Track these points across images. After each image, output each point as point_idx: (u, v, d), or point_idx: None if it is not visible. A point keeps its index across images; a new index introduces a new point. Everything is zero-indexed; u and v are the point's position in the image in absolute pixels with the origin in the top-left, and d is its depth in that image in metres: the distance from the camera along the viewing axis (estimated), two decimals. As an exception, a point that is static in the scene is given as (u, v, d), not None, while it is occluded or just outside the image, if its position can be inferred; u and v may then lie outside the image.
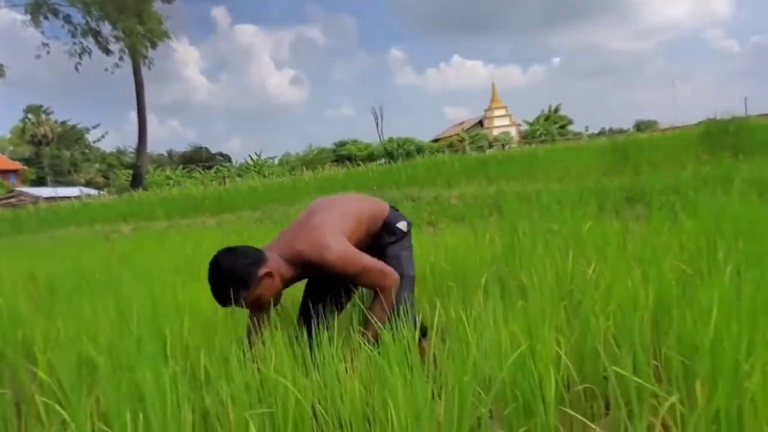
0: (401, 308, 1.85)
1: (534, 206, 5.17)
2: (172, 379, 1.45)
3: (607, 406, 1.59)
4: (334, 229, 1.88)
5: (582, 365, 1.65)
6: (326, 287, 2.12)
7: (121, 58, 30.44)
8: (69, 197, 24.69)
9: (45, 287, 3.61)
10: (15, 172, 45.92)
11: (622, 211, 4.50)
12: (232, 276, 1.77)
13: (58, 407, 1.48)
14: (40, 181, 45.08)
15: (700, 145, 10.35)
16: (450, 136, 46.69)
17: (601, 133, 42.65)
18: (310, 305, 2.04)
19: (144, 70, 31.52)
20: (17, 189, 35.59)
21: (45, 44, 29.77)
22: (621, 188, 6.23)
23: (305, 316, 2.08)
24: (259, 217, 8.86)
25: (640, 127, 40.21)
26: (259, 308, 1.88)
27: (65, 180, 45.53)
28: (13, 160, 47.75)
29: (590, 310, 1.71)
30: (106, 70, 30.79)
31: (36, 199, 27.96)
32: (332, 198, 2.21)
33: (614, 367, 1.32)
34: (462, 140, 40.78)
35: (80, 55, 30.07)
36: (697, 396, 1.14)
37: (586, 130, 47.90)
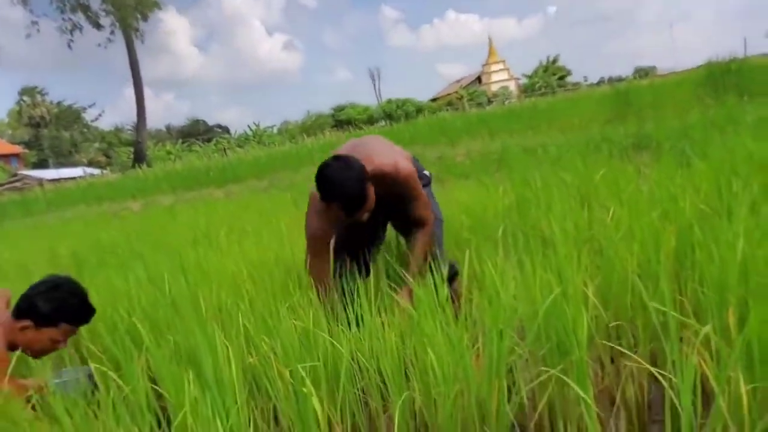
0: (437, 251, 1.94)
1: (542, 158, 5.18)
2: (219, 339, 1.52)
3: (635, 344, 1.65)
4: (400, 153, 2.03)
5: (609, 305, 1.71)
6: (356, 244, 2.18)
7: (112, 32, 29.93)
8: (73, 178, 24.72)
9: (70, 263, 3.68)
10: (16, 155, 45.77)
11: (631, 159, 4.50)
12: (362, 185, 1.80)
13: (111, 373, 1.55)
14: (41, 164, 45.00)
15: (703, 88, 10.23)
16: (449, 95, 46.12)
17: (600, 82, 42.00)
18: (339, 265, 2.09)
19: (136, 44, 31.01)
20: (20, 172, 35.57)
21: (34, 22, 29.29)
22: (627, 135, 6.21)
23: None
24: (266, 186, 8.89)
25: (639, 73, 39.57)
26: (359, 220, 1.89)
27: (67, 161, 45.45)
28: (13, 143, 47.54)
29: (613, 252, 1.76)
30: (99, 45, 30.37)
31: (40, 182, 27.98)
32: (369, 137, 2.27)
33: (650, 303, 1.37)
34: (461, 98, 40.30)
35: (71, 32, 29.61)
36: (729, 325, 1.19)
37: (585, 80, 47.18)
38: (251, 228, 4.15)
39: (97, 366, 1.58)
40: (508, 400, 1.36)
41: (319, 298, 1.88)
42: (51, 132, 47.90)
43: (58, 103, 49.70)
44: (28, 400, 1.55)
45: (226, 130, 52.78)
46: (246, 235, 3.88)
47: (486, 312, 1.46)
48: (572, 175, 3.45)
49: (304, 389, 1.23)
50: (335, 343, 1.51)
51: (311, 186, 1.95)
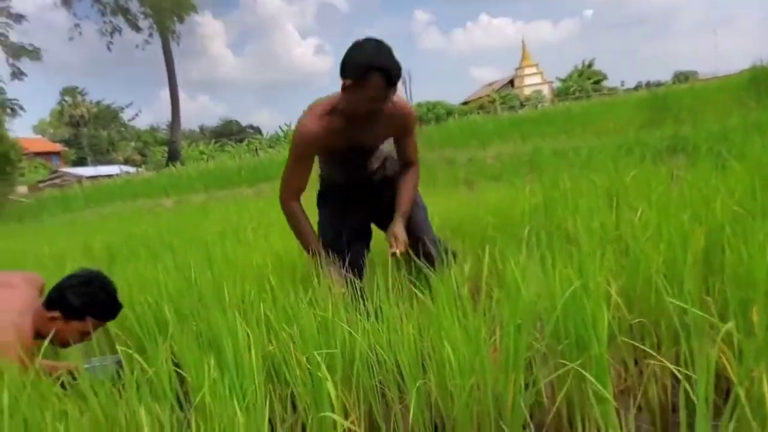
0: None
1: (573, 161, 5.10)
2: (240, 325, 1.54)
3: (659, 345, 1.61)
4: None
5: (633, 304, 1.67)
6: (360, 214, 2.22)
7: (150, 35, 30.76)
8: (110, 175, 25.46)
9: (103, 255, 3.80)
10: (57, 153, 47.36)
11: (664, 162, 4.40)
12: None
13: (136, 355, 1.59)
14: (80, 161, 46.52)
15: (746, 92, 9.91)
16: (480, 98, 45.81)
17: (638, 87, 41.08)
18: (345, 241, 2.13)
19: (173, 46, 31.79)
20: (61, 170, 36.78)
21: (77, 25, 30.29)
22: (663, 139, 6.07)
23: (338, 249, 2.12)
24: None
25: (679, 78, 38.52)
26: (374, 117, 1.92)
27: (105, 159, 46.86)
28: (54, 142, 49.27)
29: (639, 251, 1.72)
30: (137, 47, 31.21)
31: (79, 179, 28.87)
32: None
33: (671, 300, 1.34)
34: (493, 101, 39.99)
35: (111, 34, 30.54)
36: (754, 323, 1.15)
37: (622, 85, 46.18)
38: (279, 224, 4.21)
39: (123, 349, 1.63)
40: (525, 395, 1.34)
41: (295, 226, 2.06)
42: (90, 131, 49.49)
43: (97, 103, 51.35)
44: (58, 379, 1.61)
45: (258, 130, 53.66)
46: (273, 229, 3.93)
47: (504, 306, 1.45)
48: (602, 177, 3.40)
49: (320, 374, 1.25)
50: (352, 332, 1.52)
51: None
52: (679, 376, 1.16)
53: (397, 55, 1.83)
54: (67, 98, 50.71)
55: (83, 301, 1.79)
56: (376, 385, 1.56)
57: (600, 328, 1.39)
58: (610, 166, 3.45)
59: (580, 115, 11.79)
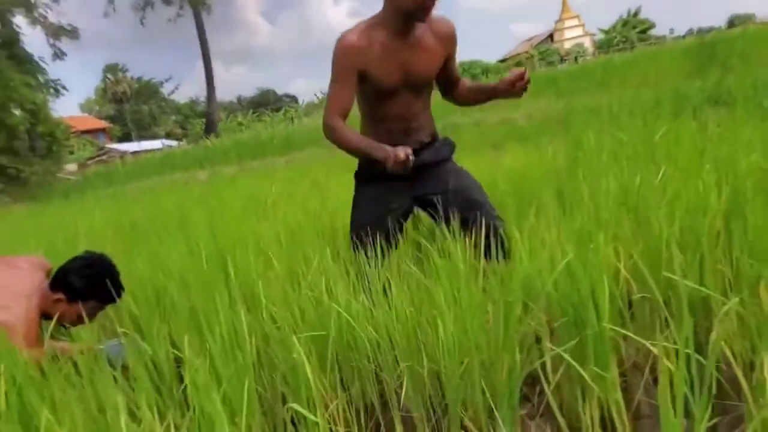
0: None
1: (605, 118, 4.85)
2: (230, 306, 1.52)
3: (668, 319, 1.51)
4: None
5: (643, 277, 1.56)
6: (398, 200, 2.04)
7: (181, 7, 30.87)
8: (152, 150, 26.12)
9: (130, 231, 3.88)
10: (103, 130, 48.82)
11: (703, 115, 4.10)
12: None
13: (136, 335, 1.60)
14: (125, 137, 47.89)
15: (805, 34, 9.15)
16: (518, 54, 44.26)
17: (689, 34, 38.73)
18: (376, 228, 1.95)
19: (206, 17, 31.85)
20: (107, 146, 37.99)
21: (110, 1, 30.63)
22: (703, 90, 5.68)
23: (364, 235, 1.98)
24: (324, 154, 8.96)
25: (734, 22, 36.04)
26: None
27: (147, 134, 48.10)
28: (100, 119, 50.78)
29: (654, 217, 1.60)
30: (169, 20, 31.40)
31: (123, 154, 29.74)
32: None
33: (667, 274, 1.23)
34: (530, 57, 38.57)
35: (143, 9, 30.79)
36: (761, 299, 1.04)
37: (671, 33, 43.66)
38: (300, 195, 4.20)
39: (124, 330, 1.65)
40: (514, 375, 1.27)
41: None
42: (132, 107, 50.70)
43: (138, 79, 52.38)
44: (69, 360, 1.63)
45: (294, 99, 53.73)
46: (292, 201, 3.93)
47: (500, 281, 1.37)
48: (630, 135, 3.20)
49: (295, 356, 1.21)
50: (342, 312, 1.48)
51: None
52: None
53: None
54: (109, 76, 51.92)
55: (85, 284, 1.81)
56: (374, 368, 1.52)
57: (601, 304, 1.30)
58: (638, 122, 3.24)
59: (620, 67, 11.22)
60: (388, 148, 1.72)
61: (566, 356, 1.15)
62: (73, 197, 12.19)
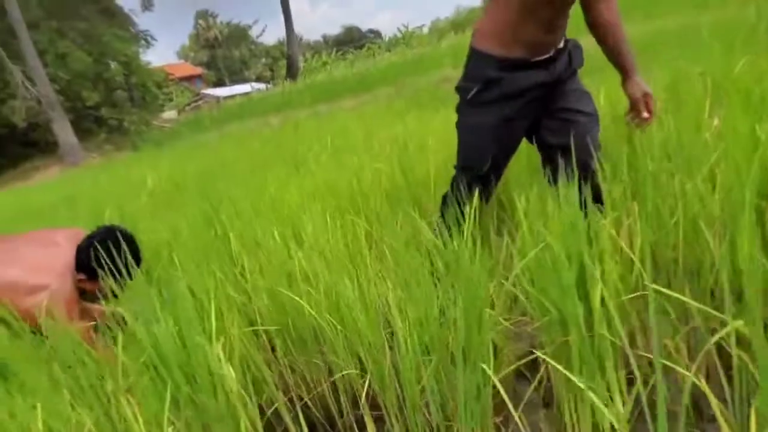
0: None
1: (690, 41, 4.18)
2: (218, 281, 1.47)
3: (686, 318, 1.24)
4: None
5: (661, 261, 1.29)
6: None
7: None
8: (243, 93, 26.88)
9: (176, 189, 3.99)
10: (199, 76, 50.92)
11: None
12: None
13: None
14: (220, 82, 49.73)
15: None
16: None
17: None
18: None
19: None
20: (202, 92, 39.67)
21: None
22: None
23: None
24: (391, 94, 8.69)
25: None
26: None
27: (239, 78, 49.59)
28: (195, 65, 52.94)
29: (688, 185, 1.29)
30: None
31: (218, 99, 30.90)
32: None
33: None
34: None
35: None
36: None
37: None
38: (344, 146, 4.08)
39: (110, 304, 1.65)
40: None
41: None
42: (224, 52, 52.24)
43: (228, 24, 53.58)
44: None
45: (378, 34, 52.63)
46: (335, 155, 3.81)
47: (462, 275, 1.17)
48: (707, 66, 2.70)
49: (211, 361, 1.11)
50: (303, 303, 1.35)
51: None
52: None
53: None
54: (200, 22, 53.52)
55: (97, 262, 1.81)
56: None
57: (594, 301, 1.07)
58: (716, 49, 2.71)
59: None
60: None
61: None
62: (166, 145, 12.93)
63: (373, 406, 1.30)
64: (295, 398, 1.41)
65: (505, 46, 1.55)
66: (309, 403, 1.43)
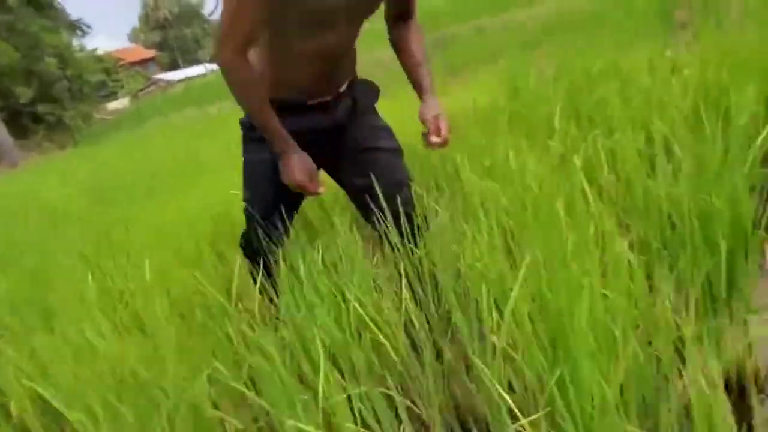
0: None
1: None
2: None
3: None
4: None
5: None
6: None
7: None
8: (198, 76, 25.91)
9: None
10: (152, 59, 49.09)
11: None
12: None
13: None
14: (173, 64, 48.09)
15: None
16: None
17: None
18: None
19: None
20: (155, 77, 38.29)
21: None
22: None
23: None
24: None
25: None
26: None
27: (193, 58, 47.99)
28: (147, 47, 51.00)
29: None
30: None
31: (171, 84, 29.88)
32: None
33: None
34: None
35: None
36: None
37: None
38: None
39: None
40: None
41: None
42: (175, 32, 50.36)
43: (178, 1, 51.51)
44: None
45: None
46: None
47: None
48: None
49: None
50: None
51: None
52: None
53: None
54: (148, 1, 51.40)
55: None
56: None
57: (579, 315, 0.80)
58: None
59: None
60: (296, 159, 1.32)
61: None
62: (104, 139, 12.37)
63: None
64: None
65: (276, 89, 1.35)
66: None
